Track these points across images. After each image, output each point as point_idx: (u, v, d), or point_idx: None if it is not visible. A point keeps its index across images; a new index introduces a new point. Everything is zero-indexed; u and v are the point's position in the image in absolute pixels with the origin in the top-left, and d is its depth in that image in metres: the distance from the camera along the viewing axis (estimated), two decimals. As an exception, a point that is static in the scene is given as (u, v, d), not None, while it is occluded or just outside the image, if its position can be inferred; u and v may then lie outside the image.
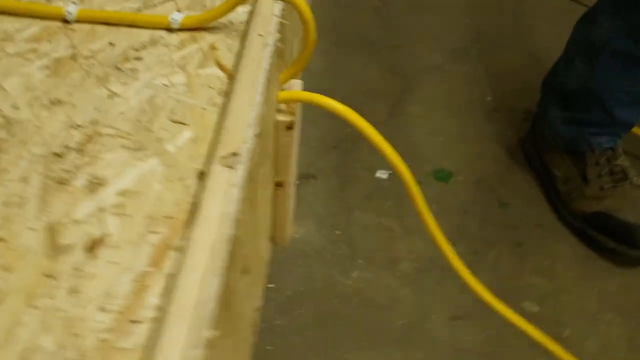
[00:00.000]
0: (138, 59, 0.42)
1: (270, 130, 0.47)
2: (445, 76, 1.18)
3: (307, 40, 0.45)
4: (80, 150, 0.35)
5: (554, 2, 1.45)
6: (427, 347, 0.69)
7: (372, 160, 0.94)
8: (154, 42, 0.44)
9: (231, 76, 0.41)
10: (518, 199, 0.93)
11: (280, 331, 0.68)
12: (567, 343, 0.72)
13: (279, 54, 0.45)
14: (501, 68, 1.22)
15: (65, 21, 0.45)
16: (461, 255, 0.87)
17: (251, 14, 0.44)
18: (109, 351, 0.25)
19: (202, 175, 0.33)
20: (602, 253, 0.87)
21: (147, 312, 0.27)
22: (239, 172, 0.30)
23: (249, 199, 0.35)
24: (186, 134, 0.37)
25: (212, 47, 0.44)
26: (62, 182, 0.33)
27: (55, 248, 0.29)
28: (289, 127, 0.48)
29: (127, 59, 0.42)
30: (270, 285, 0.73)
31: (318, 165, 0.92)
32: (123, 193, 0.32)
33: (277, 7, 0.43)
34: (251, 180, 0.36)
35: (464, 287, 0.61)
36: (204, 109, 0.38)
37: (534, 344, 0.64)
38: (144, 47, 0.44)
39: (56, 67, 0.41)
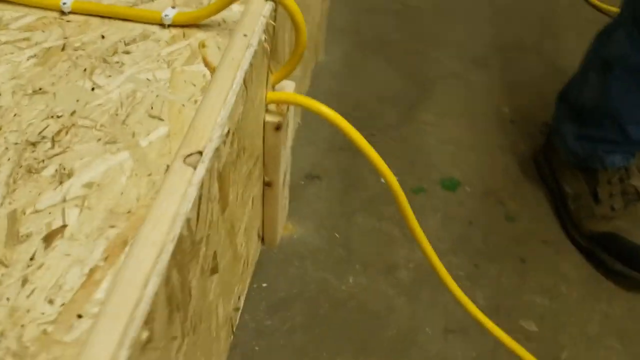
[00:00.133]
0: (126, 52, 0.43)
1: (258, 130, 0.47)
2: (462, 84, 1.16)
3: (298, 42, 0.45)
4: (54, 140, 0.35)
5: (583, 13, 1.42)
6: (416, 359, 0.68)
7: (379, 164, 0.93)
8: (145, 37, 0.44)
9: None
10: (526, 213, 0.91)
11: (268, 332, 0.68)
12: (563, 365, 0.70)
13: (269, 55, 0.44)
14: (522, 79, 1.19)
15: (62, 12, 0.46)
16: (461, 267, 0.86)
17: (242, 13, 0.43)
18: (49, 344, 0.25)
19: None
20: (608, 275, 0.84)
21: (93, 308, 0.27)
22: (199, 171, 0.30)
23: (217, 199, 0.35)
24: (162, 129, 0.36)
25: (202, 45, 0.44)
26: (30, 171, 0.33)
27: (14, 237, 0.30)
28: (277, 127, 0.48)
29: (115, 52, 0.43)
30: (263, 285, 0.73)
31: (324, 166, 0.92)
32: (89, 185, 0.32)
33: (267, 8, 0.42)
34: (222, 179, 0.36)
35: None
36: (184, 105, 0.38)
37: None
38: (134, 41, 0.44)
39: (45, 57, 0.41)
